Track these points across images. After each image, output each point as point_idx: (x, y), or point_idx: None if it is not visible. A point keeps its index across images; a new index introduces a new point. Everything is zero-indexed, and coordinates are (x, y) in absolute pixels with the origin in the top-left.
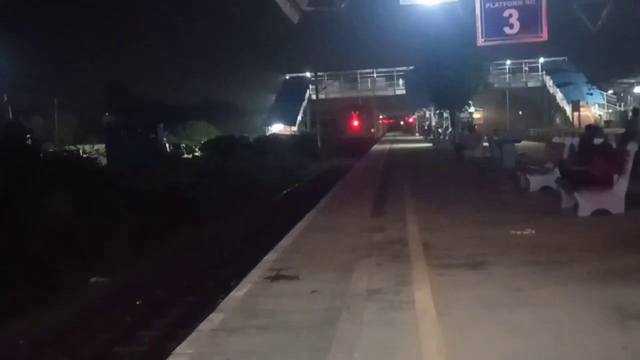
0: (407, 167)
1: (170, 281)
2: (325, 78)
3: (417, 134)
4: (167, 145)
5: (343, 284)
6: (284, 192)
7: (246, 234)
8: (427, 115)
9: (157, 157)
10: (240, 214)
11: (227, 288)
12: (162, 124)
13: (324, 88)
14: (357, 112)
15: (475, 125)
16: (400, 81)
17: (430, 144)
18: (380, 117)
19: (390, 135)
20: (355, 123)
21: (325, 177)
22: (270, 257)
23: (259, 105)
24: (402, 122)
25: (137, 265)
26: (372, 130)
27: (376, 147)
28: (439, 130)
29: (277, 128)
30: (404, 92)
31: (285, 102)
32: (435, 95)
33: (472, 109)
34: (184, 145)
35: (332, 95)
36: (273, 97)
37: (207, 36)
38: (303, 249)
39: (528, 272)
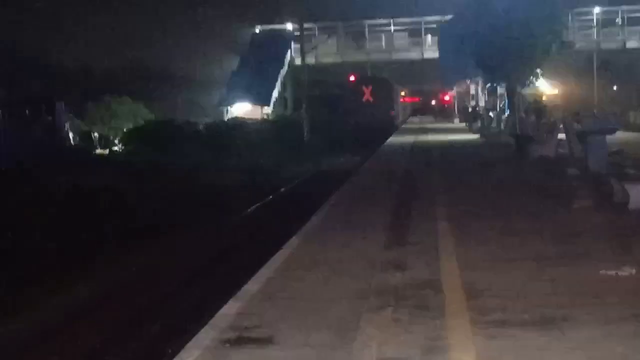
0: (439, 172)
1: (66, 344)
2: (316, 32)
3: (455, 120)
4: (70, 134)
5: (341, 352)
6: (250, 208)
7: (190, 270)
8: (472, 90)
9: (54, 153)
10: (182, 237)
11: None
12: (62, 102)
13: (314, 48)
14: (367, 86)
15: (545, 106)
16: (431, 38)
17: (477, 135)
18: (402, 93)
19: (415, 121)
20: (365, 100)
21: (316, 185)
22: (230, 309)
23: (214, 75)
24: (432, 101)
25: (20, 315)
26: (392, 113)
27: (394, 138)
28: (491, 114)
29: (242, 109)
30: (436, 55)
31: (255, 69)
32: (486, 61)
33: (541, 83)
34: (96, 134)
35: (326, 59)
36: (236, 62)
37: None
38: (280, 296)
39: (627, 335)
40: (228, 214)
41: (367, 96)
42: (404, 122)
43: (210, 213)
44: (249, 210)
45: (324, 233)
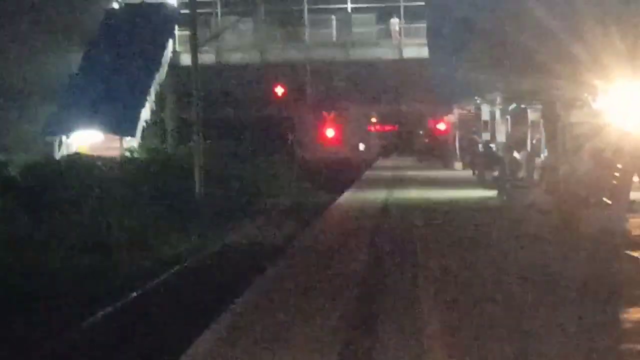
0: (431, 270)
1: None
2: (219, 10)
3: (456, 164)
4: None
5: None
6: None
7: None
8: (485, 115)
9: None
10: None
11: None
12: None
13: (216, 37)
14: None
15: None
16: (416, 27)
17: (492, 192)
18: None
19: (387, 165)
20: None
21: (199, 286)
22: None
23: (39, 82)
24: (417, 132)
25: None
26: (360, 148)
27: (350, 195)
28: (516, 155)
29: (88, 140)
30: (424, 53)
31: (109, 72)
32: (507, 62)
33: (600, 101)
34: None
35: (236, 57)
36: (77, 61)
37: None
38: None
39: None
40: None
41: (312, 121)
42: (369, 165)
43: None
44: None
45: None
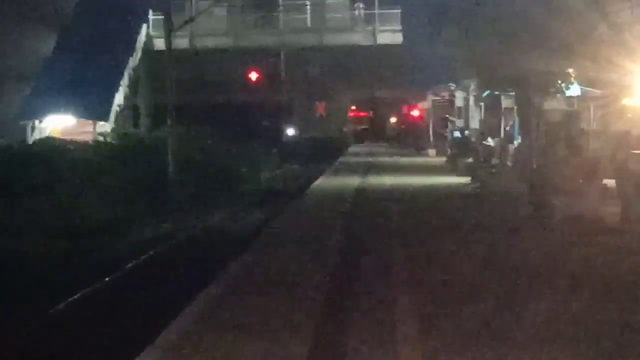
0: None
1: None
2: None
3: (430, 151)
4: None
5: None
6: None
7: None
8: (459, 101)
9: None
10: None
11: None
12: None
13: (189, 22)
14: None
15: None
16: (391, 12)
17: (466, 179)
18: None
19: (360, 151)
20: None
21: (171, 270)
22: None
23: (11, 67)
24: (390, 119)
25: None
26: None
27: (323, 181)
28: (490, 141)
29: (61, 125)
30: (398, 39)
31: (82, 56)
32: (481, 50)
33: (574, 88)
34: None
35: (209, 42)
36: (51, 45)
37: None
38: None
39: None
40: None
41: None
42: (342, 151)
43: None
44: None
45: None
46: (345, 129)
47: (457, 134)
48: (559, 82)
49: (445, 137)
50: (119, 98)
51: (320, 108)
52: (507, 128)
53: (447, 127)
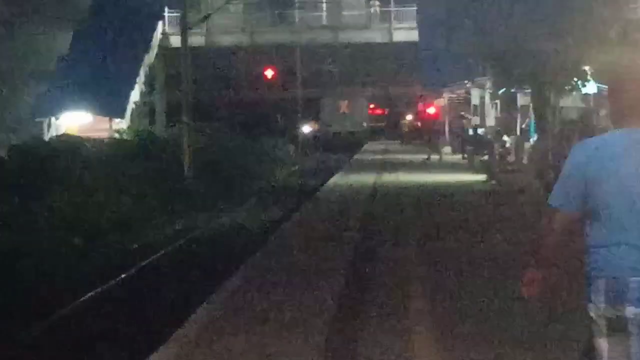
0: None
1: None
2: None
3: (445, 148)
4: None
5: None
6: None
7: None
8: (475, 99)
9: None
10: None
11: None
12: None
13: (205, 19)
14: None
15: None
16: (406, 10)
17: (482, 176)
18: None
19: (377, 147)
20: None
21: (184, 270)
22: None
23: (29, 65)
24: (407, 117)
25: None
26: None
27: (339, 179)
28: (506, 139)
29: (77, 122)
30: (414, 37)
31: (98, 54)
32: (497, 49)
33: (590, 86)
34: None
35: (225, 39)
36: (67, 43)
37: None
38: None
39: None
40: None
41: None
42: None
43: None
44: None
45: None
46: (365, 125)
47: (472, 131)
48: (575, 79)
49: (461, 135)
50: (134, 95)
51: (344, 105)
52: (523, 126)
53: (462, 124)
